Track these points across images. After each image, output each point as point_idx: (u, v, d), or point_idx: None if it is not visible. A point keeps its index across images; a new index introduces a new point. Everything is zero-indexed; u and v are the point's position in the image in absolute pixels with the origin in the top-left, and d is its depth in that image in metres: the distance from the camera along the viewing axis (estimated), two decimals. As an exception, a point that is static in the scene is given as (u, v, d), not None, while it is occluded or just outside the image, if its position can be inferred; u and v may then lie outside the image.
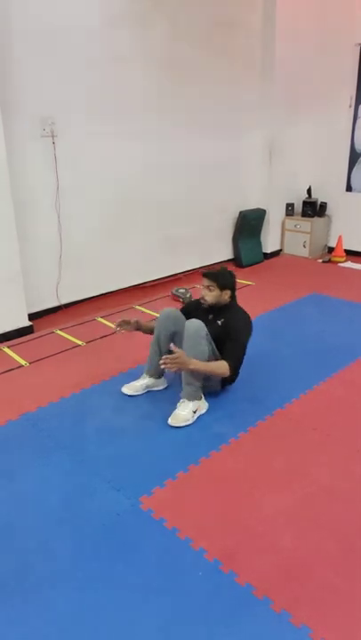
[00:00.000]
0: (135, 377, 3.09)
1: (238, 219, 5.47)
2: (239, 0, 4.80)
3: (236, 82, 5.01)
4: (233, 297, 2.87)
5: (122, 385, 3.03)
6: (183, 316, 2.87)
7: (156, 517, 2.05)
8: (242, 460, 2.40)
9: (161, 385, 3.03)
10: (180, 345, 2.69)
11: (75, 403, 2.89)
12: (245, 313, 2.86)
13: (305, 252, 5.80)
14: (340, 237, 5.68)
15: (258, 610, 1.67)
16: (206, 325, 2.67)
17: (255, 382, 3.04)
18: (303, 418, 2.71)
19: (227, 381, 2.89)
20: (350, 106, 5.41)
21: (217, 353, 2.73)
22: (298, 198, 5.88)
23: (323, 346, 3.51)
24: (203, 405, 2.76)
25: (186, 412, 2.67)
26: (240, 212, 5.44)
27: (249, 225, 5.49)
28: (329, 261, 5.65)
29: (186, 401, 2.70)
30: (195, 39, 4.50)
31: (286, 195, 5.82)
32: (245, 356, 2.81)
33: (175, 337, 2.85)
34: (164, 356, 2.53)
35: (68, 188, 3.95)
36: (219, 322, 2.78)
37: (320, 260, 5.73)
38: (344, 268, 5.45)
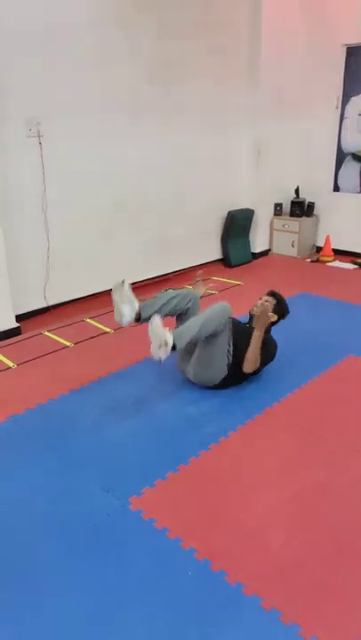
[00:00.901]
0: (125, 378, 3.09)
1: (227, 219, 5.48)
2: (226, 1, 4.81)
3: (224, 82, 5.02)
4: (270, 328, 3.02)
5: (112, 386, 3.02)
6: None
7: (146, 518, 2.04)
8: (232, 459, 2.40)
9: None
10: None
11: (63, 404, 2.87)
12: (276, 343, 3.06)
13: (293, 252, 5.83)
14: (327, 237, 5.71)
15: (248, 608, 1.66)
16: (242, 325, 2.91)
17: (244, 382, 3.05)
18: (293, 416, 2.72)
19: (228, 383, 2.93)
20: (337, 107, 5.45)
21: (230, 346, 2.81)
22: (286, 198, 5.91)
23: (312, 344, 3.52)
24: (169, 341, 2.56)
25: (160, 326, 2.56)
26: (229, 213, 5.45)
27: (237, 225, 5.51)
28: (317, 261, 5.69)
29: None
30: (182, 39, 4.50)
31: (274, 195, 5.84)
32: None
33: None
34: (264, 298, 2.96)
35: (55, 189, 3.93)
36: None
37: (308, 260, 5.76)
38: (332, 267, 5.49)
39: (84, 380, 3.12)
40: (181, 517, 2.04)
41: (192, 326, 2.71)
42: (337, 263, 5.56)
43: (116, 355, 3.43)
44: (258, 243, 5.83)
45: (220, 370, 2.86)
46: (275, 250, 6.00)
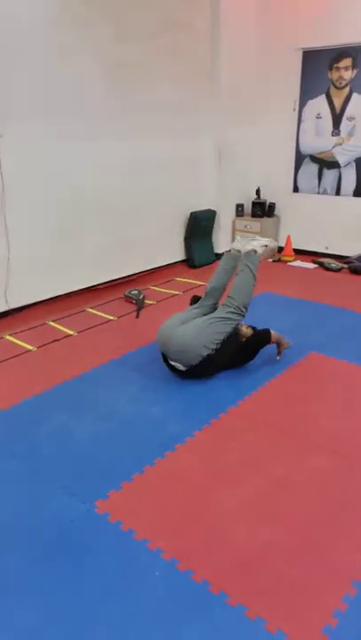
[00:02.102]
0: (90, 381, 3.07)
1: (189, 220, 5.51)
2: (185, 3, 4.84)
3: (184, 84, 5.04)
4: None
5: (75, 390, 3.00)
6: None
7: (112, 521, 2.03)
8: (197, 458, 2.42)
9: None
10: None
11: (27, 409, 2.83)
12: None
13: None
14: (288, 237, 5.83)
15: (214, 605, 1.68)
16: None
17: (209, 381, 3.08)
18: (256, 414, 2.76)
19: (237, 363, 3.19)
20: (294, 109, 5.57)
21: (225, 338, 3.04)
22: (247, 199, 5.99)
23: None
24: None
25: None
26: (191, 213, 5.49)
27: (200, 226, 5.55)
28: (279, 260, 5.79)
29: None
30: (140, 40, 4.50)
31: (236, 195, 5.92)
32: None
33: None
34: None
35: (13, 189, 3.86)
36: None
37: (270, 260, 5.85)
38: (293, 266, 5.60)
39: (48, 384, 3.08)
40: (148, 519, 2.05)
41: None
42: (298, 262, 5.68)
43: (81, 358, 3.40)
44: (221, 243, 5.88)
45: (206, 344, 2.93)
46: (237, 250, 6.07)
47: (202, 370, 3.03)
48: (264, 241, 3.30)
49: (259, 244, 3.28)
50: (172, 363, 3.05)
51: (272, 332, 3.22)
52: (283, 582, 1.77)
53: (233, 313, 3.06)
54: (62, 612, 1.68)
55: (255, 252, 3.25)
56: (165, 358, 3.10)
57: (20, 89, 3.75)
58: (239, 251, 3.34)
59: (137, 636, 1.59)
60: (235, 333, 3.18)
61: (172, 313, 3.24)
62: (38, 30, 3.76)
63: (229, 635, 1.59)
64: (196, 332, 2.94)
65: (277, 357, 3.30)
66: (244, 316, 3.11)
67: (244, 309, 3.10)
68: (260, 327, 3.28)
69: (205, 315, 3.14)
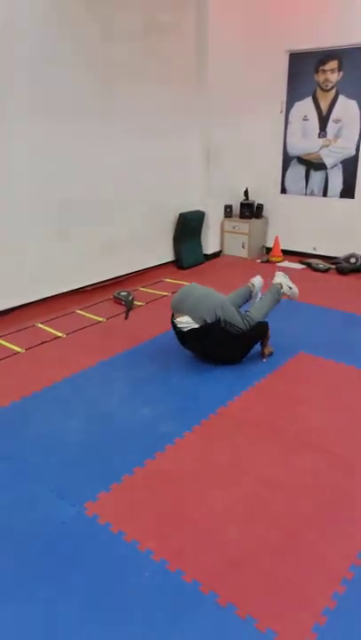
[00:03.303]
0: (79, 382, 3.06)
1: (178, 221, 5.52)
2: (172, 4, 4.85)
3: (172, 85, 5.05)
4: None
5: (64, 391, 2.99)
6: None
7: (102, 522, 2.03)
8: (187, 459, 2.42)
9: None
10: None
11: (16, 411, 2.81)
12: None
13: (244, 253, 5.94)
14: (276, 238, 5.86)
15: (204, 605, 1.69)
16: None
17: (198, 381, 3.09)
18: (245, 414, 2.77)
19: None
20: (281, 111, 5.61)
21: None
22: (236, 200, 6.02)
23: (263, 343, 3.61)
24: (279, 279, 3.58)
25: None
26: (180, 214, 5.50)
27: (189, 227, 5.56)
28: (267, 261, 5.82)
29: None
30: (127, 41, 4.50)
31: (224, 197, 5.94)
32: (187, 355, 2.80)
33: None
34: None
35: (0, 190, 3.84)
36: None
37: (259, 261, 5.89)
38: (281, 267, 5.62)
39: (36, 386, 3.06)
40: (138, 520, 2.05)
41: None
42: (286, 263, 5.72)
43: (70, 359, 3.39)
44: (210, 244, 5.90)
45: (224, 306, 3.12)
46: (226, 251, 6.10)
47: (206, 335, 3.08)
48: (290, 283, 3.62)
49: (286, 282, 3.60)
50: (183, 319, 3.10)
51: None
52: (272, 581, 1.78)
53: (246, 321, 3.21)
54: (51, 614, 1.67)
55: (281, 285, 3.54)
56: (174, 325, 3.19)
57: (6, 89, 3.73)
58: (280, 285, 3.59)
59: (127, 637, 1.59)
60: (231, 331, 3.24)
61: (162, 314, 3.25)
62: (25, 31, 3.74)
63: (220, 634, 1.60)
64: (222, 297, 3.22)
65: (263, 359, 3.34)
66: (247, 328, 3.22)
67: (252, 324, 3.24)
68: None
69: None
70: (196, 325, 3.08)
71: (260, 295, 3.59)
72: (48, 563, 1.86)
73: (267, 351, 3.37)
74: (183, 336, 3.17)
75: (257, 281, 3.63)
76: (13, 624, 1.64)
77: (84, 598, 1.72)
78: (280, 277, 3.62)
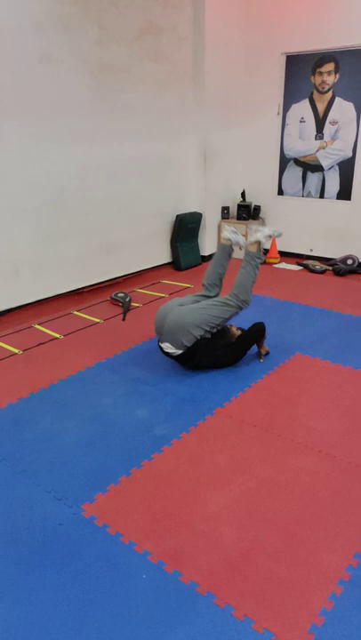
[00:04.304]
0: (75, 384, 3.06)
1: (175, 222, 5.52)
2: (169, 6, 4.86)
3: (169, 86, 5.06)
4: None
5: (62, 392, 2.99)
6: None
7: (99, 524, 2.03)
8: (184, 460, 2.42)
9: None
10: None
11: (13, 413, 2.81)
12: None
13: (241, 255, 5.91)
14: (273, 239, 5.87)
15: (202, 606, 1.69)
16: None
17: (196, 383, 3.09)
18: (243, 415, 2.78)
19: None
20: (278, 113, 5.62)
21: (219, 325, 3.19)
22: (233, 202, 6.03)
23: (260, 344, 3.61)
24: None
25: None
26: (177, 216, 5.50)
27: (186, 228, 5.56)
28: (264, 263, 5.82)
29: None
30: (124, 43, 4.51)
31: (222, 198, 5.95)
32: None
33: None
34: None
35: (-2, 193, 3.84)
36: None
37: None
38: (278, 268, 5.64)
39: (33, 387, 3.06)
40: (135, 521, 2.05)
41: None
42: (283, 265, 5.73)
43: (68, 360, 3.39)
44: (207, 246, 5.90)
45: (200, 325, 3.05)
46: (223, 252, 6.10)
47: (193, 356, 3.08)
48: (267, 231, 3.34)
49: (263, 235, 3.32)
50: (165, 345, 3.10)
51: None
52: (270, 582, 1.78)
53: (232, 301, 3.16)
54: (49, 616, 1.67)
55: (260, 242, 3.31)
56: (161, 348, 3.17)
57: (3, 90, 3.73)
58: (229, 239, 3.38)
59: (125, 639, 1.59)
60: (225, 335, 3.24)
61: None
62: (21, 32, 3.74)
63: (217, 635, 1.60)
64: (192, 311, 3.07)
65: (260, 360, 3.34)
66: (242, 307, 3.20)
67: (243, 302, 3.19)
68: (247, 326, 3.32)
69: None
70: (181, 351, 3.09)
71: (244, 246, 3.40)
72: (45, 564, 1.85)
73: (263, 351, 3.38)
74: (173, 358, 3.18)
75: (228, 234, 3.40)
76: (10, 625, 1.63)
77: (81, 600, 1.72)
78: (228, 233, 3.39)
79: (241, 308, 3.20)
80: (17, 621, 1.65)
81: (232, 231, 3.41)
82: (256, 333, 3.30)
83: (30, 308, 4.30)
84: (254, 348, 3.41)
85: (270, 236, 3.36)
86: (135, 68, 4.66)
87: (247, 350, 3.30)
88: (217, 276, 3.39)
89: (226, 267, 3.42)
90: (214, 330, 3.14)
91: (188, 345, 3.05)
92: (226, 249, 3.42)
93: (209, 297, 3.32)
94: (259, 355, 3.38)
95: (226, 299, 3.18)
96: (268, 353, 3.41)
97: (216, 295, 3.37)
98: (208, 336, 3.12)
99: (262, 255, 3.34)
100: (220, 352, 3.20)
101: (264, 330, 3.34)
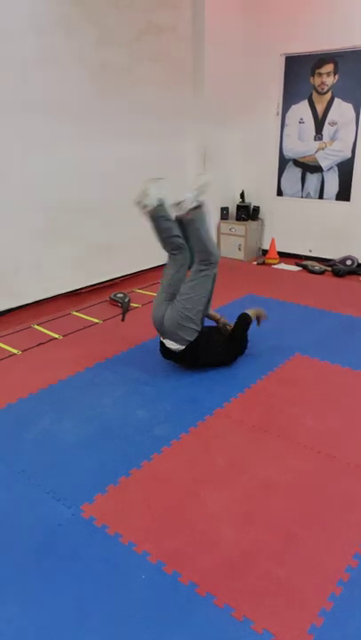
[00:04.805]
0: (75, 384, 3.06)
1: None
2: (169, 7, 4.86)
3: (169, 87, 5.06)
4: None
5: (61, 392, 2.99)
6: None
7: (98, 524, 2.02)
8: (183, 460, 2.42)
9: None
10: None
11: (12, 413, 2.81)
12: (247, 339, 3.37)
13: (240, 255, 5.95)
14: (273, 240, 5.88)
15: (201, 607, 1.69)
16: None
17: (195, 383, 3.09)
18: (242, 416, 2.78)
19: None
20: (277, 113, 5.63)
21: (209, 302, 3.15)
22: (232, 202, 6.03)
23: (260, 345, 3.60)
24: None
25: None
26: (176, 217, 5.48)
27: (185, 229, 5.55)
28: (263, 263, 5.84)
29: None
30: (124, 44, 4.51)
31: (221, 199, 5.95)
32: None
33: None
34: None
35: (-2, 193, 3.84)
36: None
37: (255, 263, 5.90)
38: (278, 269, 5.65)
39: (32, 387, 3.06)
40: (134, 521, 2.05)
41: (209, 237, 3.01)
42: (282, 265, 5.73)
43: (67, 361, 3.39)
44: (206, 246, 5.90)
45: (194, 315, 3.01)
46: (222, 253, 6.10)
47: (195, 350, 3.09)
48: (198, 183, 3.05)
49: (194, 195, 3.06)
50: (167, 341, 3.10)
51: (248, 311, 3.34)
52: (269, 582, 1.78)
53: (204, 265, 3.05)
54: (48, 616, 1.66)
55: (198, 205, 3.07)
56: (162, 345, 3.18)
57: (3, 91, 3.73)
58: (161, 205, 3.10)
59: (124, 639, 1.59)
60: (221, 332, 3.26)
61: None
62: (21, 34, 3.74)
63: (216, 636, 1.60)
64: (182, 307, 3.01)
65: (257, 325, 3.40)
66: (214, 262, 3.06)
67: (212, 258, 3.06)
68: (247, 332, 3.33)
69: (180, 271, 3.15)
70: (183, 347, 3.09)
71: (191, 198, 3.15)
72: (44, 564, 1.85)
73: (259, 320, 3.40)
74: (172, 355, 3.18)
75: (153, 193, 3.15)
76: (9, 626, 1.63)
77: (80, 600, 1.72)
78: (150, 189, 3.10)
79: (213, 263, 3.05)
80: (16, 622, 1.65)
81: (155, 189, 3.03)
82: (242, 322, 3.29)
83: (30, 309, 4.30)
84: (252, 348, 3.40)
85: (203, 185, 3.03)
86: (135, 68, 4.66)
87: (244, 345, 3.29)
88: (175, 246, 3.16)
89: (176, 230, 3.15)
90: (209, 305, 3.12)
91: (191, 339, 3.06)
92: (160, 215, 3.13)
93: (179, 272, 3.18)
94: (257, 323, 3.41)
95: (198, 270, 3.04)
96: (263, 317, 3.42)
97: (187, 261, 3.18)
98: (206, 313, 3.11)
99: (201, 203, 3.06)
100: (221, 347, 3.21)
101: (249, 319, 3.30)
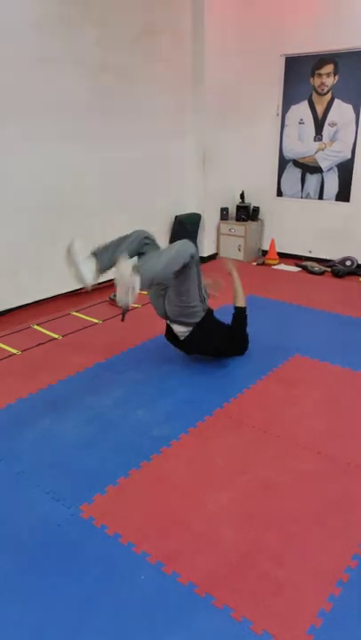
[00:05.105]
0: (74, 385, 3.06)
1: (174, 223, 5.52)
2: (168, 8, 4.86)
3: (169, 87, 5.07)
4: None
5: (60, 393, 2.99)
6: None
7: (98, 525, 2.02)
8: (183, 461, 2.42)
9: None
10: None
11: (11, 413, 2.80)
12: (248, 338, 3.40)
13: (240, 256, 5.95)
14: (272, 241, 5.88)
15: (200, 607, 1.69)
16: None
17: (194, 383, 3.09)
18: (242, 416, 2.77)
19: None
20: (277, 114, 5.63)
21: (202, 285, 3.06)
22: (232, 203, 6.03)
23: (260, 345, 3.60)
24: (137, 286, 2.59)
25: (128, 269, 2.53)
26: (176, 217, 5.50)
27: (185, 229, 5.56)
28: (263, 264, 5.84)
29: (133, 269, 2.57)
30: (124, 43, 4.51)
31: (220, 199, 5.95)
32: (183, 357, 2.82)
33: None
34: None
35: (-3, 193, 3.84)
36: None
37: (255, 263, 5.90)
38: (277, 270, 5.65)
39: (32, 388, 3.05)
40: (133, 522, 2.04)
41: (155, 265, 2.69)
42: (282, 266, 5.73)
43: (66, 361, 3.38)
44: (205, 247, 5.91)
45: (195, 303, 2.99)
46: (222, 254, 6.11)
47: (201, 327, 3.08)
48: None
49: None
50: (175, 327, 3.12)
51: (211, 287, 3.34)
52: (268, 583, 1.78)
53: (177, 274, 2.81)
54: (47, 617, 1.66)
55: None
56: (168, 330, 3.20)
57: (2, 91, 3.73)
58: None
59: (123, 640, 1.59)
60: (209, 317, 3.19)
61: (158, 316, 3.24)
62: (21, 33, 3.74)
63: (216, 636, 1.60)
64: (177, 305, 2.99)
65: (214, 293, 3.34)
66: (186, 264, 2.78)
67: (177, 269, 2.78)
68: (246, 328, 3.33)
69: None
70: (190, 328, 3.09)
71: None
72: (43, 565, 1.85)
73: (214, 287, 3.35)
74: (180, 342, 3.19)
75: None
76: (8, 626, 1.63)
77: (79, 600, 1.72)
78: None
79: (186, 264, 2.78)
80: (15, 622, 1.64)
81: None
82: (239, 316, 3.28)
83: (29, 309, 4.30)
84: (252, 349, 3.40)
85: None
86: (135, 68, 4.66)
87: (245, 344, 3.33)
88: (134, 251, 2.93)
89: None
90: (202, 284, 3.03)
91: (198, 320, 3.06)
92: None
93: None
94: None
95: (174, 278, 2.83)
96: (217, 284, 3.40)
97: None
98: (202, 293, 3.05)
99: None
100: (224, 333, 3.21)
101: (241, 309, 3.30)
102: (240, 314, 3.29)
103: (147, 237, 3.06)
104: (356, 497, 2.17)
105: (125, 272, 2.53)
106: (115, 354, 3.49)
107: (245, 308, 3.30)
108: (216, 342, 3.20)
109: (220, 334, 3.20)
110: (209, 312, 3.15)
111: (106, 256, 2.89)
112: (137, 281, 2.56)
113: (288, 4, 5.18)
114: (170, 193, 5.45)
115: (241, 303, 3.31)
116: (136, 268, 2.62)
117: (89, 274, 2.81)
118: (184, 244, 2.84)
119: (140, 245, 3.02)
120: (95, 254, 2.88)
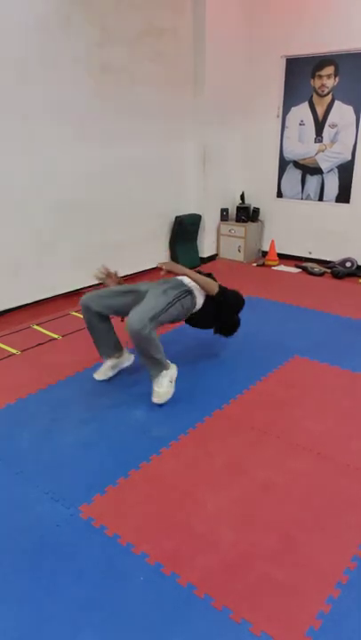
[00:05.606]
0: (73, 385, 3.05)
1: (175, 224, 5.53)
2: (169, 9, 4.87)
3: (169, 88, 5.07)
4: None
5: (60, 393, 2.98)
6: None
7: (97, 525, 2.02)
8: (182, 461, 2.42)
9: (127, 361, 3.19)
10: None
11: (11, 413, 2.80)
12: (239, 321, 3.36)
13: (240, 257, 5.95)
14: (272, 242, 5.88)
15: (199, 608, 1.68)
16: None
17: (193, 384, 3.09)
18: (241, 417, 2.77)
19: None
20: (278, 116, 5.64)
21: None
22: (232, 204, 6.04)
23: (259, 346, 3.61)
24: (173, 370, 2.90)
25: (164, 386, 2.82)
26: (176, 217, 5.51)
27: (185, 230, 5.57)
28: (263, 265, 5.84)
29: (157, 377, 2.83)
30: (125, 44, 4.52)
31: (221, 200, 5.95)
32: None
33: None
34: (159, 263, 3.01)
35: (-2, 193, 3.84)
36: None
37: (255, 264, 5.90)
38: (277, 271, 5.65)
39: (31, 388, 3.05)
40: (132, 523, 2.04)
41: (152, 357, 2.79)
42: (282, 267, 5.73)
43: (66, 361, 3.38)
44: (205, 247, 5.91)
45: (180, 303, 2.96)
46: (222, 254, 6.11)
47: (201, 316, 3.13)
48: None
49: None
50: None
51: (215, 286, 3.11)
52: (267, 584, 1.78)
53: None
54: (46, 618, 1.66)
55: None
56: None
57: (3, 91, 3.73)
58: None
59: (122, 641, 1.59)
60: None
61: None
62: (22, 34, 3.74)
63: (215, 638, 1.60)
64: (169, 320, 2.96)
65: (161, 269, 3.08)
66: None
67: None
68: (246, 328, 3.32)
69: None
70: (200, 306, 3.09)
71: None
72: (42, 565, 1.85)
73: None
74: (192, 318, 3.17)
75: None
76: (7, 627, 1.63)
77: (78, 601, 1.71)
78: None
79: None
80: (14, 623, 1.64)
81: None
82: (233, 298, 3.23)
83: (29, 309, 4.30)
84: (252, 350, 3.40)
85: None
86: (136, 69, 4.67)
87: (235, 327, 3.29)
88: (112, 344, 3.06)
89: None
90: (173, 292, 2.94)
91: (200, 305, 3.09)
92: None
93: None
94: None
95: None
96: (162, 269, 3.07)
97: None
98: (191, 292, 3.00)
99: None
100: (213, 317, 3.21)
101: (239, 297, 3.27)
102: (218, 301, 3.11)
103: (92, 305, 2.98)
104: (355, 498, 2.17)
105: (168, 391, 2.85)
106: (114, 354, 3.49)
107: (218, 292, 3.06)
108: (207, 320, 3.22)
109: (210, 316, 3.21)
110: (206, 303, 3.12)
111: (106, 350, 3.09)
112: (171, 390, 2.87)
113: (289, 6, 5.18)
114: (170, 193, 5.45)
115: (211, 292, 3.04)
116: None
117: (114, 369, 3.15)
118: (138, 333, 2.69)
119: (103, 315, 3.00)
120: (102, 356, 3.11)
